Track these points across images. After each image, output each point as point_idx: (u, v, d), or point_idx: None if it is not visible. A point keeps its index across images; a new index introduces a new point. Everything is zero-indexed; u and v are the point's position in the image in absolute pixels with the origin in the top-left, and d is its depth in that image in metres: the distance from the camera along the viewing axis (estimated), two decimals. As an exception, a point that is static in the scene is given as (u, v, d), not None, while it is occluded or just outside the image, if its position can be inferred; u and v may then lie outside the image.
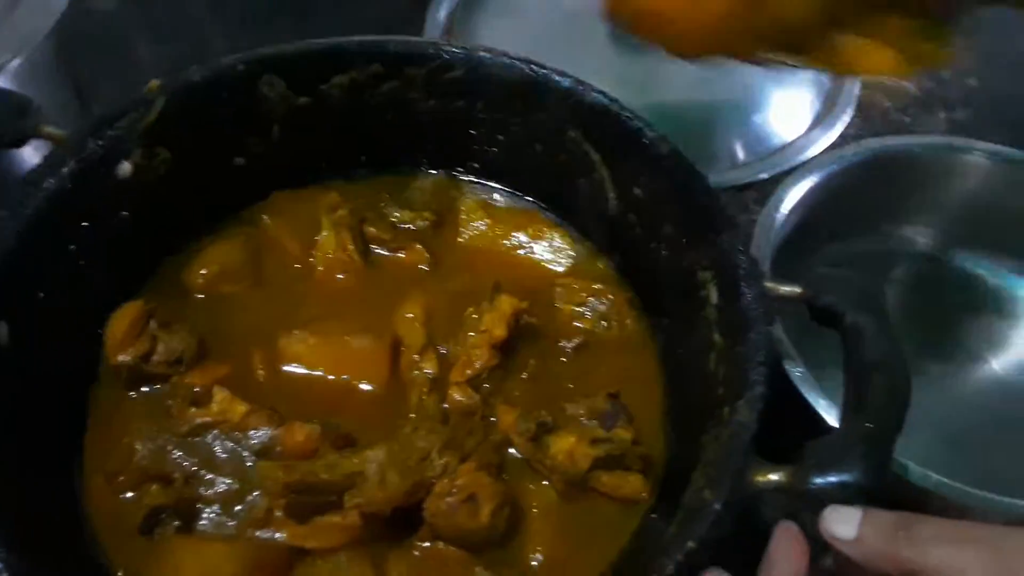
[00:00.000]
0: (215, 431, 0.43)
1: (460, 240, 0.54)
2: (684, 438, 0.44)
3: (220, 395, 0.44)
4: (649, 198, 0.49)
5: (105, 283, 0.48)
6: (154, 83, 0.47)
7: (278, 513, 0.40)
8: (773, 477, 0.36)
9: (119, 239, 0.48)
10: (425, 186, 0.56)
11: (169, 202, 0.49)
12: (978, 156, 0.58)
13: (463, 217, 0.54)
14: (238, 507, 0.41)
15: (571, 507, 0.43)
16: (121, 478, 0.42)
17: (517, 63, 0.50)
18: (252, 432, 0.44)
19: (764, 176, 0.63)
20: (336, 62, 0.51)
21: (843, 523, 0.33)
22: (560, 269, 0.53)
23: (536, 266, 0.53)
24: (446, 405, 0.46)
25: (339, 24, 0.55)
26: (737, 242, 0.43)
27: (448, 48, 0.51)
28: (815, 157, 0.62)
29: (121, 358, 0.44)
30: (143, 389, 0.46)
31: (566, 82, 0.50)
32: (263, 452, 0.43)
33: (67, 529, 0.41)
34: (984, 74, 0.74)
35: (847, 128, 0.67)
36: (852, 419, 0.36)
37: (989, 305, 0.59)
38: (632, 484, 0.43)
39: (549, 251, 0.53)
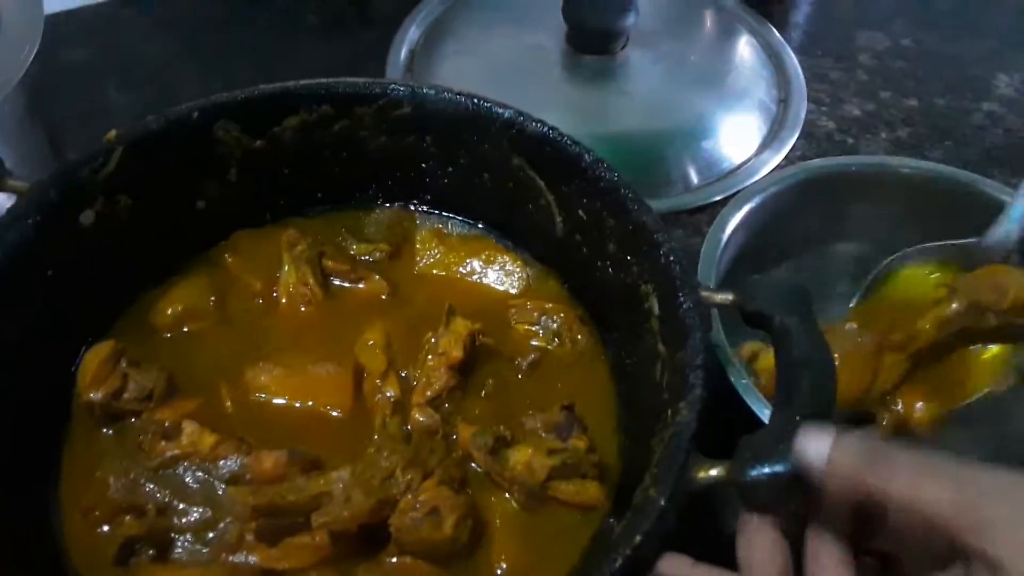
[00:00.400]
0: (186, 463, 0.45)
1: (416, 269, 0.56)
2: (636, 444, 0.47)
3: (189, 428, 0.46)
4: (592, 219, 0.52)
5: (74, 325, 0.50)
6: (112, 133, 0.49)
7: (249, 537, 0.42)
8: (713, 472, 0.38)
9: (86, 283, 0.49)
10: (380, 219, 0.59)
11: (134, 246, 0.51)
12: (908, 171, 0.61)
13: (418, 247, 0.57)
14: (211, 534, 0.43)
15: (532, 517, 0.45)
16: (96, 512, 0.43)
17: (460, 98, 0.53)
18: (222, 462, 0.45)
19: (717, 198, 0.67)
20: (287, 104, 0.53)
21: (814, 445, 0.33)
22: (513, 291, 0.55)
23: (490, 290, 0.55)
24: (408, 426, 0.48)
25: (305, 65, 0.58)
26: (673, 255, 0.46)
27: (394, 86, 0.53)
28: (757, 179, 0.66)
29: (93, 396, 0.46)
30: (114, 425, 0.47)
31: (507, 113, 0.52)
32: (233, 480, 0.45)
33: (45, 565, 0.42)
34: (923, 94, 0.78)
35: (793, 150, 0.71)
36: (782, 413, 0.39)
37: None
38: (589, 491, 0.45)
39: (502, 275, 0.56)
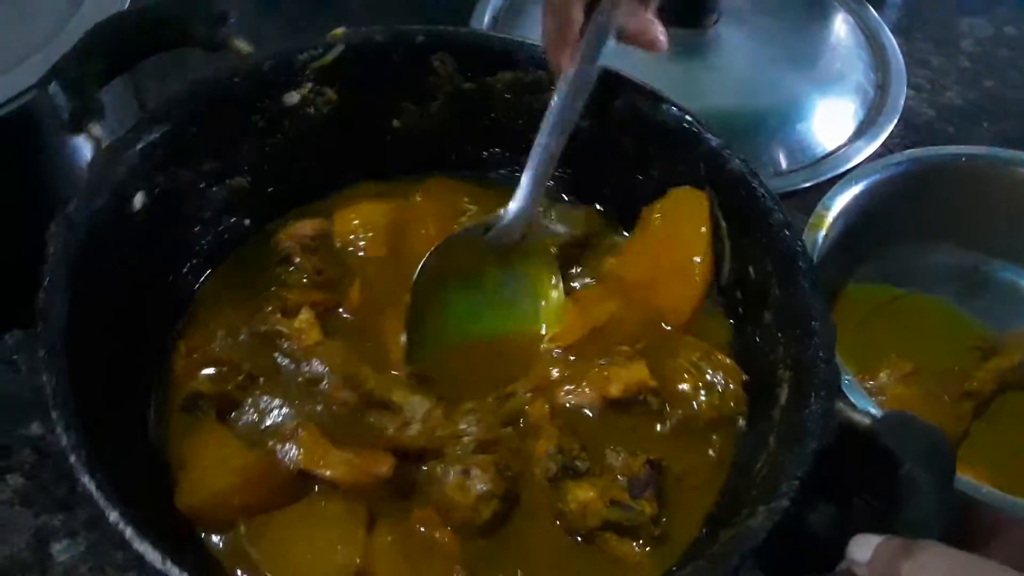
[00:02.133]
0: (286, 344, 0.46)
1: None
2: (711, 531, 0.43)
3: (306, 315, 0.47)
4: (759, 278, 0.47)
5: (257, 192, 0.52)
6: (338, 31, 0.50)
7: (302, 433, 0.42)
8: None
9: (275, 157, 0.52)
10: (568, 210, 0.56)
11: (328, 140, 0.53)
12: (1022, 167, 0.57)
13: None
14: (270, 420, 0.44)
15: (569, 544, 0.43)
16: (195, 355, 0.46)
17: (673, 109, 0.50)
18: (315, 361, 0.46)
19: (807, 185, 0.63)
20: (505, 58, 0.53)
21: (861, 548, 0.33)
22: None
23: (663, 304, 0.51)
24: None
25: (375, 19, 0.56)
26: (823, 351, 0.41)
27: (615, 75, 0.51)
28: (859, 166, 0.62)
29: (289, 244, 0.50)
30: (260, 281, 0.50)
31: (715, 141, 0.49)
32: (312, 382, 0.45)
33: (137, 391, 0.45)
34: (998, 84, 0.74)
35: (890, 138, 0.66)
36: None
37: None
38: (635, 557, 0.42)
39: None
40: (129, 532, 0.34)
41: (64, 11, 0.53)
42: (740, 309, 0.49)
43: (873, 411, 0.45)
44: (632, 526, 0.42)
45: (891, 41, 0.73)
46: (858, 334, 0.56)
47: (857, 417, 0.39)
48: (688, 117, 0.50)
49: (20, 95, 0.47)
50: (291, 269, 0.50)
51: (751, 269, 0.48)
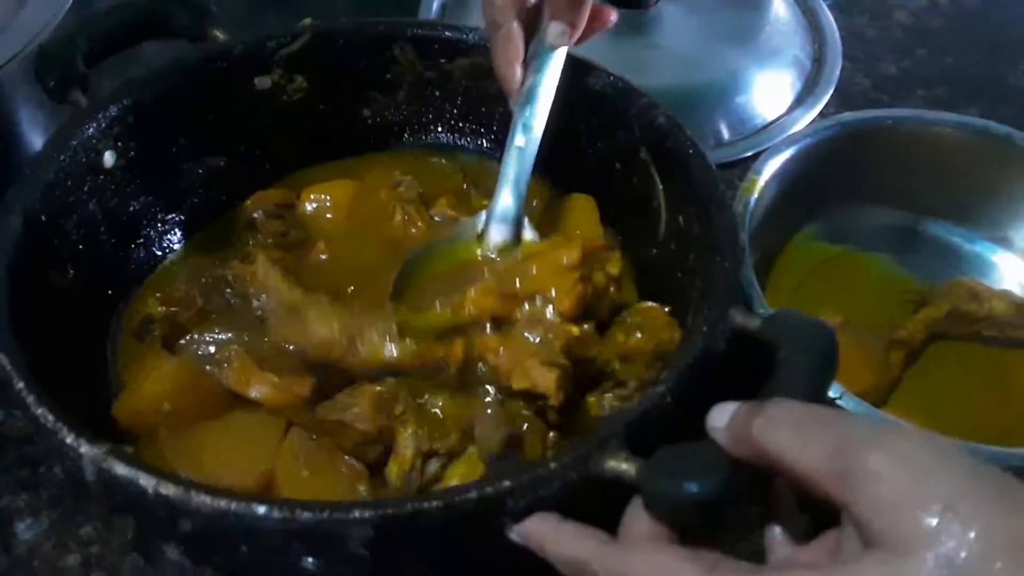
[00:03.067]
0: (240, 283, 0.50)
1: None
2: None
3: (261, 259, 0.50)
4: (685, 224, 0.49)
5: (231, 170, 0.57)
6: (307, 21, 0.56)
7: (236, 363, 0.45)
8: (624, 467, 0.34)
9: (253, 138, 0.57)
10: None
11: (298, 126, 0.58)
12: (948, 128, 0.59)
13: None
14: (212, 348, 0.47)
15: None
16: (158, 294, 0.50)
17: (607, 76, 0.53)
18: (264, 296, 0.49)
19: (748, 154, 0.65)
20: (458, 46, 0.57)
21: (719, 414, 0.33)
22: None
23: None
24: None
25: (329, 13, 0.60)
26: (726, 261, 0.42)
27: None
28: (791, 133, 0.65)
29: (257, 215, 0.54)
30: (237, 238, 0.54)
31: (644, 99, 0.51)
32: (261, 319, 0.49)
33: (98, 325, 0.49)
34: (960, 53, 0.76)
35: (827, 107, 0.70)
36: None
37: (966, 272, 0.59)
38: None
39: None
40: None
41: (8, 11, 0.53)
42: (672, 258, 0.50)
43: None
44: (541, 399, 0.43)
45: (827, 16, 0.77)
46: (796, 293, 0.57)
47: (748, 320, 0.39)
48: (619, 81, 0.53)
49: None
50: (257, 235, 0.55)
51: (680, 218, 0.50)
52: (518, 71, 0.49)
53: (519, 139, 0.50)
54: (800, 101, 0.70)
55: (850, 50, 0.75)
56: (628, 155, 0.53)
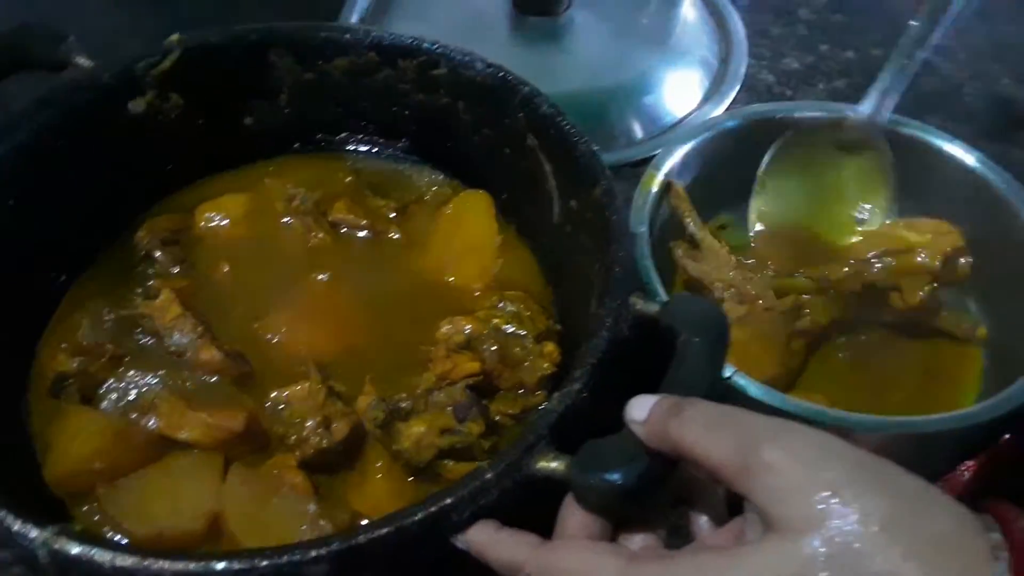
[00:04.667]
0: (148, 323, 0.49)
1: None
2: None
3: (166, 294, 0.50)
4: (578, 208, 0.51)
5: (120, 195, 0.56)
6: (175, 37, 0.54)
7: (163, 407, 0.46)
8: (553, 465, 0.37)
9: (129, 166, 0.56)
10: (409, 176, 0.61)
11: (182, 143, 0.57)
12: (830, 117, 0.61)
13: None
14: (133, 394, 0.47)
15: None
16: (64, 345, 0.49)
17: (485, 66, 0.54)
18: (176, 333, 0.49)
19: (659, 151, 0.65)
20: (336, 45, 0.57)
21: (639, 408, 0.36)
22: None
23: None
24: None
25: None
26: (619, 264, 0.45)
27: (430, 45, 0.55)
28: (689, 126, 0.69)
29: (148, 241, 0.53)
30: (128, 275, 0.53)
31: (526, 89, 0.53)
32: (177, 354, 0.49)
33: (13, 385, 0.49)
34: (860, 46, 0.80)
35: (734, 103, 0.73)
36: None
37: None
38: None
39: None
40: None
41: None
42: (569, 242, 0.53)
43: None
44: (465, 447, 0.45)
45: (734, 16, 0.81)
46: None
47: (647, 306, 0.43)
48: (500, 72, 0.54)
49: None
50: (155, 265, 0.54)
51: (572, 202, 0.52)
52: None
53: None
54: (708, 98, 0.74)
55: (756, 48, 0.79)
56: (516, 143, 0.55)
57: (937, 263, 0.56)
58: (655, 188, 0.58)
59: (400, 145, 0.62)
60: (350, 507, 0.45)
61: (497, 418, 0.48)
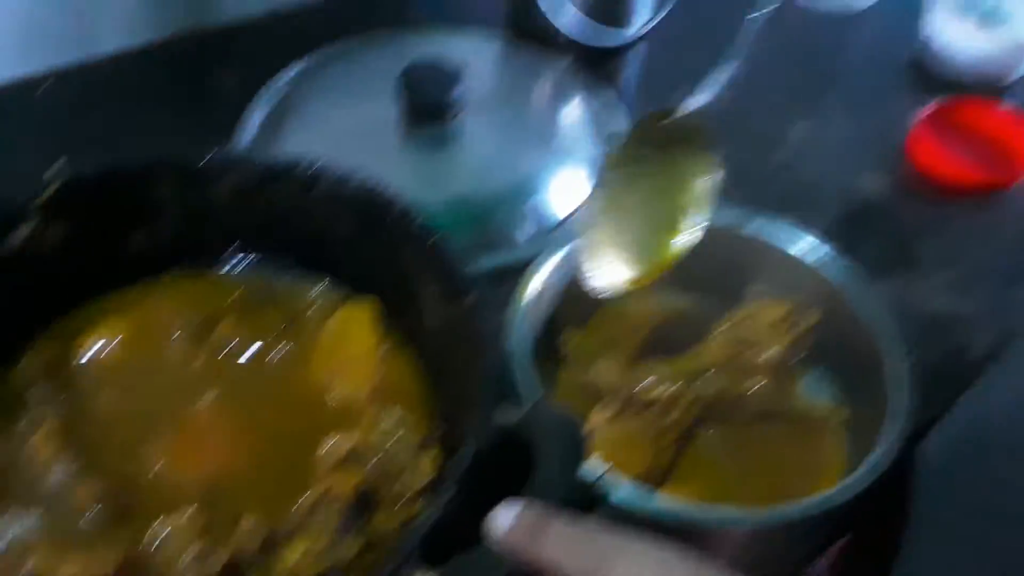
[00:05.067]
0: (25, 464, 0.50)
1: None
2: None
3: (41, 432, 0.51)
4: (448, 323, 0.54)
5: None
6: (55, 168, 0.56)
7: (40, 551, 0.46)
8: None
9: (21, 290, 0.56)
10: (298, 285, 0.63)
11: (64, 268, 0.58)
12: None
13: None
14: (11, 536, 0.47)
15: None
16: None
17: (357, 183, 0.57)
18: (55, 470, 0.50)
19: (540, 255, 0.68)
20: (220, 168, 0.59)
21: (504, 515, 0.38)
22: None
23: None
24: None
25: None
26: (485, 363, 0.47)
27: (309, 165, 0.58)
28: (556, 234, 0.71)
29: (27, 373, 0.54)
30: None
31: (399, 206, 0.56)
32: (56, 492, 0.49)
33: None
34: (729, 148, 0.77)
35: None
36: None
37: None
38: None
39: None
40: None
41: None
42: (444, 352, 0.55)
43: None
44: (344, 567, 0.46)
45: (620, 117, 0.84)
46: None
47: (507, 418, 0.45)
48: (375, 189, 0.57)
49: None
50: (36, 397, 0.54)
51: (447, 312, 0.55)
52: None
53: None
54: None
55: None
56: (393, 255, 0.57)
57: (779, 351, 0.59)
58: (532, 293, 0.61)
59: (287, 259, 0.64)
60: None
61: (381, 529, 0.49)
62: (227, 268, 0.63)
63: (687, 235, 0.60)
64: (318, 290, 0.62)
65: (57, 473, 0.50)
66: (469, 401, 0.47)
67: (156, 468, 0.51)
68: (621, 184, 0.61)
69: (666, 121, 0.57)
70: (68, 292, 0.59)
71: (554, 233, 0.74)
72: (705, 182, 0.61)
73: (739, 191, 0.76)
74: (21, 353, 0.56)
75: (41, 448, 0.50)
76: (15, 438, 0.51)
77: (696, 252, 0.64)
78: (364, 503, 0.48)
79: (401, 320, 0.59)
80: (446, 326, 0.54)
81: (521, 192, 0.76)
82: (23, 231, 0.56)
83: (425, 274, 0.56)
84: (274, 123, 0.83)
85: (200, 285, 0.62)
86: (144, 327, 0.58)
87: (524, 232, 0.74)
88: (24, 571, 0.45)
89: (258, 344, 0.58)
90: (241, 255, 0.64)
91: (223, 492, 0.50)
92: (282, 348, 0.59)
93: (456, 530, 0.42)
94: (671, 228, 0.61)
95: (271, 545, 0.46)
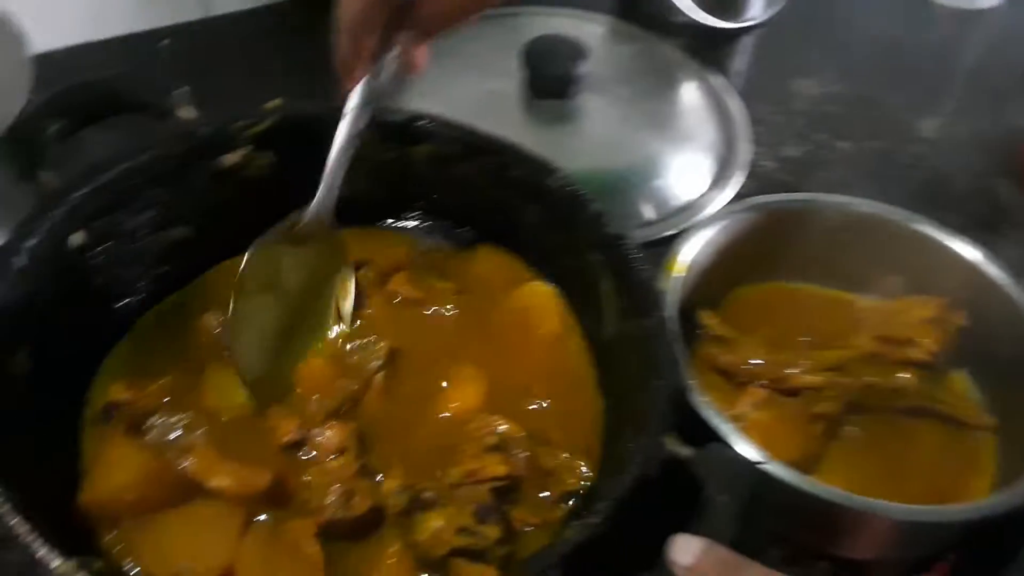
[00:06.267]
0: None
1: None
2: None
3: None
4: (629, 331, 0.52)
5: (195, 242, 0.59)
6: (276, 102, 0.57)
7: (199, 451, 0.47)
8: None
9: (217, 211, 0.58)
10: (471, 262, 0.62)
11: (260, 200, 0.60)
12: (837, 208, 0.65)
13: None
14: (175, 434, 0.48)
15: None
16: (119, 381, 0.51)
17: (557, 175, 0.56)
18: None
19: (669, 233, 0.69)
20: (418, 133, 0.59)
21: (684, 551, 0.37)
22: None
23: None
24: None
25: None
26: (662, 388, 0.46)
27: (513, 148, 0.57)
28: (707, 214, 0.71)
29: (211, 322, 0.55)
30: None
31: (594, 207, 0.55)
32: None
33: (57, 410, 0.51)
34: (855, 136, 0.84)
35: (741, 188, 0.76)
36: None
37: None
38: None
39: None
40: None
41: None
42: (616, 361, 0.54)
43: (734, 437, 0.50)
44: (480, 550, 0.45)
45: (736, 102, 0.84)
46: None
47: (679, 450, 0.43)
48: (572, 186, 0.56)
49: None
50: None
51: (625, 325, 0.53)
52: (358, 74, 0.53)
53: (337, 151, 0.54)
54: (716, 182, 0.76)
55: (756, 134, 0.82)
56: (580, 254, 0.56)
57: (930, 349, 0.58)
58: (677, 273, 0.60)
59: (465, 232, 0.64)
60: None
61: (517, 525, 0.48)
62: (405, 230, 0.64)
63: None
64: (497, 262, 0.61)
65: (225, 388, 0.51)
66: (638, 421, 0.46)
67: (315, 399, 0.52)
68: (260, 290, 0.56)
69: (300, 226, 0.55)
70: (263, 218, 0.61)
71: (679, 216, 0.73)
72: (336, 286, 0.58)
73: (875, 182, 0.77)
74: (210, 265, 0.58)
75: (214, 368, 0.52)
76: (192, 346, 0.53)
77: (838, 239, 0.64)
78: (507, 493, 0.47)
79: (579, 318, 0.58)
80: (623, 337, 0.52)
81: (644, 173, 0.75)
82: (234, 155, 0.58)
83: (611, 281, 0.54)
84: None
85: (378, 240, 0.62)
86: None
87: (645, 213, 0.73)
88: (181, 466, 0.47)
89: (430, 304, 0.58)
90: (424, 219, 0.65)
91: (379, 441, 0.51)
92: (451, 311, 0.58)
93: (599, 547, 0.41)
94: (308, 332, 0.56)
95: (415, 507, 0.46)
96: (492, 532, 0.45)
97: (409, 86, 0.56)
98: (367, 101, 0.53)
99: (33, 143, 0.51)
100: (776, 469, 0.49)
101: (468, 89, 0.80)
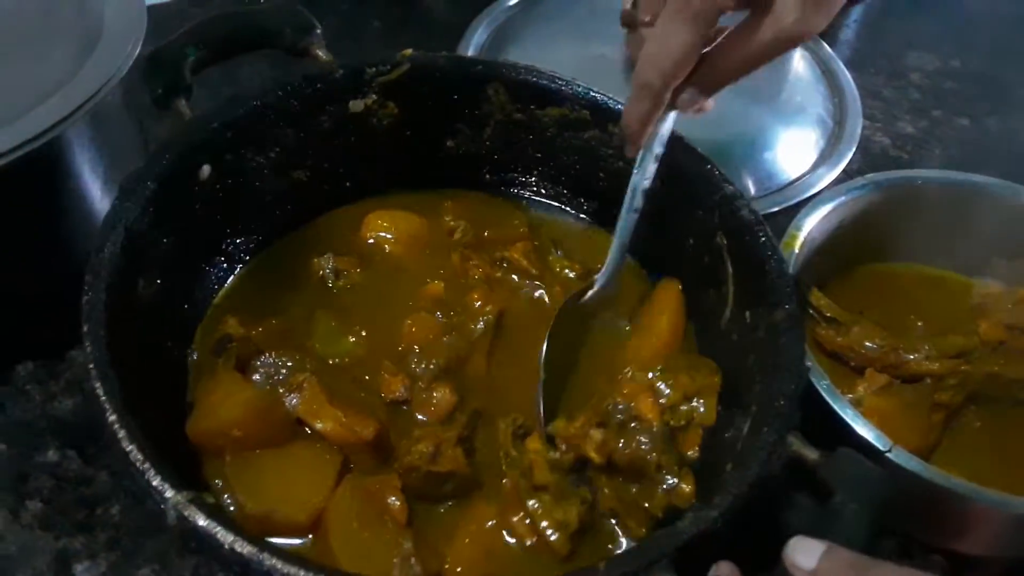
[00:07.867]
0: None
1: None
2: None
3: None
4: (752, 321, 0.49)
5: (312, 186, 0.59)
6: (407, 52, 0.57)
7: (308, 392, 0.47)
8: None
9: (338, 156, 0.58)
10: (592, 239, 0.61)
11: (382, 149, 0.59)
12: (970, 186, 0.61)
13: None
14: (283, 372, 0.48)
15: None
16: (237, 316, 0.51)
17: (695, 155, 0.54)
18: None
19: (774, 209, 0.67)
20: (552, 94, 0.57)
21: (805, 553, 0.35)
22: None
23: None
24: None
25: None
26: (791, 385, 0.43)
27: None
28: (824, 190, 0.67)
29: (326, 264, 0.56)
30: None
31: (729, 189, 0.52)
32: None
33: (172, 339, 0.51)
34: (974, 113, 0.80)
35: (850, 164, 0.72)
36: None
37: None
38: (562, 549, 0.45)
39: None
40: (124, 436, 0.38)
41: (78, 53, 0.50)
42: (731, 350, 0.51)
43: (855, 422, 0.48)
44: (560, 496, 0.45)
45: (846, 75, 0.79)
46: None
47: (807, 452, 0.41)
48: (708, 164, 0.53)
49: (38, 136, 0.46)
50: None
51: (747, 314, 0.50)
52: (647, 136, 0.49)
53: (627, 211, 0.52)
54: (824, 158, 0.72)
55: (868, 109, 0.78)
56: (705, 237, 0.54)
57: None
58: (796, 250, 0.57)
59: (585, 206, 0.62)
60: (441, 553, 0.45)
61: (604, 499, 0.47)
62: (523, 199, 0.63)
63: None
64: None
65: (332, 334, 0.51)
66: (760, 417, 0.43)
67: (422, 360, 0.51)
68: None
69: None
70: (381, 170, 0.60)
71: (787, 191, 0.69)
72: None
73: (996, 161, 0.71)
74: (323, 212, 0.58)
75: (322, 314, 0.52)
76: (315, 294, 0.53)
77: (955, 219, 0.61)
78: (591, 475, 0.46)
79: (690, 306, 0.56)
80: (742, 328, 0.50)
81: (753, 145, 0.71)
82: (362, 102, 0.57)
83: (736, 267, 0.51)
84: (495, 45, 0.78)
85: (493, 208, 0.61)
86: (432, 229, 0.59)
87: (751, 186, 0.69)
88: (291, 404, 0.47)
89: (541, 281, 0.57)
90: (544, 187, 0.63)
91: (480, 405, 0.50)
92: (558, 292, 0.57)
93: (716, 541, 0.39)
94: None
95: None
96: (585, 493, 0.46)
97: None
98: (653, 158, 0.50)
99: (173, 70, 0.51)
100: (905, 459, 0.46)
101: (573, 53, 0.77)
